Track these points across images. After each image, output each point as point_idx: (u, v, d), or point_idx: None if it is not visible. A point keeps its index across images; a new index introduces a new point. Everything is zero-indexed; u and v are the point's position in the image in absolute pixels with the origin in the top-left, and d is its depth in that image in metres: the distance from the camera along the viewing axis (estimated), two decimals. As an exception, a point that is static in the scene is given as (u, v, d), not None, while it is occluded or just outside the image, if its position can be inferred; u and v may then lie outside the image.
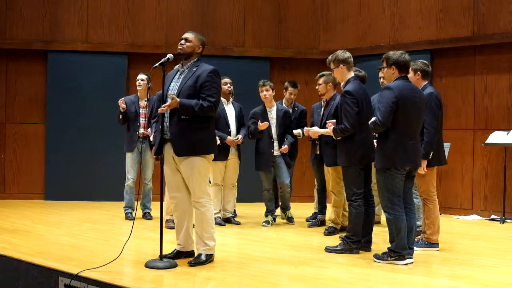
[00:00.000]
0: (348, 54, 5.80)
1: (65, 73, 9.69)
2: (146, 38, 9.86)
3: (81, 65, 9.73)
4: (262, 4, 10.09)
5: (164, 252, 4.98)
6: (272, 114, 7.43)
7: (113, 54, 9.77)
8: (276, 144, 7.38)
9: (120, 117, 7.62)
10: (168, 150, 5.03)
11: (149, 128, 7.26)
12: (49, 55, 9.71)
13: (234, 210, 7.75)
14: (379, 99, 5.32)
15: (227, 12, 10.00)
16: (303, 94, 9.72)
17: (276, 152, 7.38)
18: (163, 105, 4.89)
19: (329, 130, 5.82)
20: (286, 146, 7.34)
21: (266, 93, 7.36)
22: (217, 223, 6.62)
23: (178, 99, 4.86)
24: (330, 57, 5.85)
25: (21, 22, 9.71)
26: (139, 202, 7.72)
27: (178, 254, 5.17)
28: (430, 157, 5.69)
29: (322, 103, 7.20)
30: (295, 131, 7.47)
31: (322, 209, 7.53)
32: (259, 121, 7.23)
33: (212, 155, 5.14)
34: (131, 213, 7.61)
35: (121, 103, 7.56)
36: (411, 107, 5.18)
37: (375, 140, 5.58)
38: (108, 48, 9.76)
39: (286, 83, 7.85)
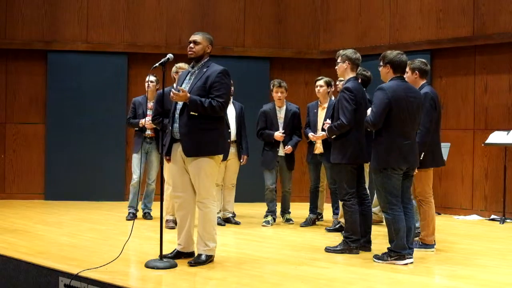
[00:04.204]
0: (358, 55, 5.83)
1: (65, 73, 9.69)
2: (146, 38, 9.86)
3: (81, 65, 9.73)
4: (262, 4, 10.09)
5: (164, 252, 4.98)
6: (281, 114, 7.49)
7: (113, 54, 9.76)
8: (281, 144, 7.42)
9: (135, 129, 7.64)
10: (177, 149, 5.03)
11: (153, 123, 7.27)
12: (49, 55, 9.71)
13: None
14: (373, 100, 5.32)
15: (227, 12, 10.00)
16: (303, 94, 9.73)
17: (281, 152, 7.41)
18: (173, 92, 4.85)
19: (324, 133, 5.87)
20: (289, 146, 7.38)
21: (281, 94, 7.45)
22: (217, 223, 6.62)
23: (188, 94, 4.86)
24: (341, 51, 5.88)
25: (21, 22, 9.71)
26: (140, 202, 7.74)
27: (178, 254, 5.16)
28: (421, 158, 5.62)
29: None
30: (286, 148, 7.45)
31: (313, 208, 7.54)
32: (274, 126, 7.36)
33: (221, 156, 5.13)
34: (133, 213, 7.57)
35: (144, 124, 7.50)
36: (405, 107, 5.17)
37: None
38: (108, 48, 9.75)
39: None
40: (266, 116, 7.46)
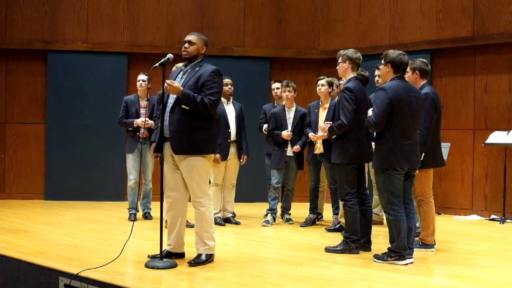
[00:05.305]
0: (359, 55, 5.82)
1: (65, 73, 9.69)
2: (146, 38, 9.86)
3: (81, 65, 9.73)
4: (262, 4, 10.09)
5: (157, 253, 4.98)
6: (290, 114, 7.52)
7: (113, 54, 9.77)
8: (290, 144, 7.43)
9: (129, 128, 7.61)
10: (168, 148, 5.02)
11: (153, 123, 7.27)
12: (49, 55, 9.71)
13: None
14: (374, 100, 5.31)
15: (227, 12, 10.00)
16: (303, 95, 9.71)
17: (289, 152, 7.43)
18: (167, 83, 4.83)
19: (324, 133, 5.87)
20: (298, 146, 7.40)
21: (289, 94, 7.46)
22: (217, 223, 6.63)
23: (181, 87, 4.86)
24: (341, 51, 5.88)
25: (21, 22, 9.71)
26: (139, 202, 7.74)
27: (168, 255, 5.11)
28: (421, 158, 5.62)
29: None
30: (295, 147, 7.47)
31: (313, 208, 7.56)
32: (283, 127, 7.40)
33: (213, 156, 5.12)
34: (134, 214, 7.55)
35: (140, 124, 7.50)
36: (406, 107, 5.17)
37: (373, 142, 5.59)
38: (108, 48, 9.76)
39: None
40: (276, 117, 7.50)
